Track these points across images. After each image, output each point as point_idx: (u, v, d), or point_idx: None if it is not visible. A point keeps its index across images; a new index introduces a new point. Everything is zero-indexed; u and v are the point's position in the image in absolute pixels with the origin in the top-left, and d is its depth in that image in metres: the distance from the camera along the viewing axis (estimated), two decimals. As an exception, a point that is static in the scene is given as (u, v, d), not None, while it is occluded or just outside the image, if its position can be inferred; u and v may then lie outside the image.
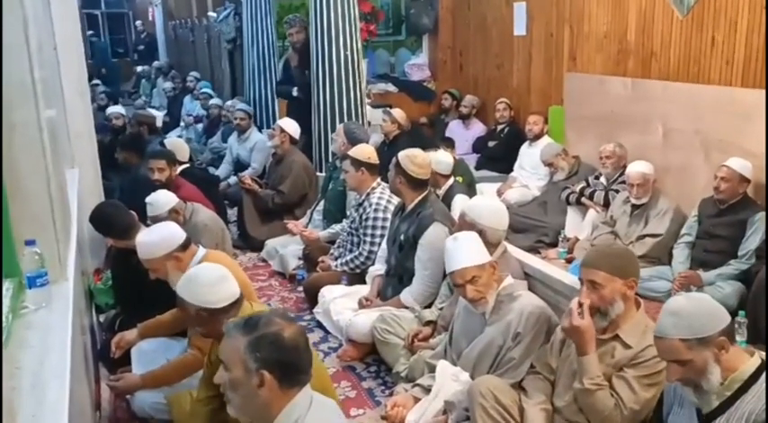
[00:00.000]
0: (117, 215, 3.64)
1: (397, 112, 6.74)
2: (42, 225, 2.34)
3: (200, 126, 9.48)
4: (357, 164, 4.34)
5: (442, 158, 5.00)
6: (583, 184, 5.45)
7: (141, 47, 17.84)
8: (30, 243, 2.19)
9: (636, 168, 4.72)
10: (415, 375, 3.19)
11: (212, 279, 2.48)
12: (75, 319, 2.28)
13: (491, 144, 7.24)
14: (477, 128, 7.75)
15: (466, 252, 2.87)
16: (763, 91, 4.17)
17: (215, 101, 9.21)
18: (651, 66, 5.35)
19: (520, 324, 2.78)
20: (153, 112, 7.53)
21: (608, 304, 2.45)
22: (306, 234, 4.97)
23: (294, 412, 1.78)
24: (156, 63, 14.68)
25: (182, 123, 9.88)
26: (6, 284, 2.19)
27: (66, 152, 3.96)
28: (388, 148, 6.33)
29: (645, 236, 4.66)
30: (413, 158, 3.85)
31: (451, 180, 5.05)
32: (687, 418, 2.11)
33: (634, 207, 4.77)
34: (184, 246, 3.09)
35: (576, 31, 6.28)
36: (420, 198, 3.86)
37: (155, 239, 3.05)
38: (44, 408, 1.64)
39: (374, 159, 4.40)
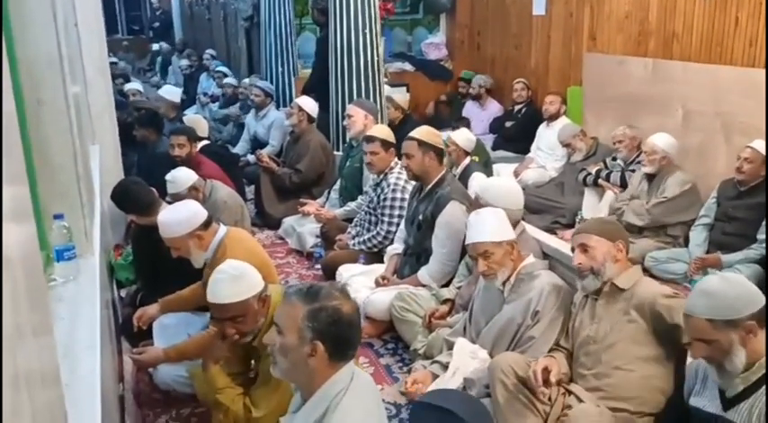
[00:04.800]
0: (139, 192, 3.67)
1: (399, 97, 6.70)
2: (69, 200, 2.37)
3: (215, 105, 9.48)
4: (386, 144, 4.35)
5: (467, 135, 5.04)
6: (600, 165, 5.42)
7: (156, 24, 17.82)
8: (58, 217, 2.23)
9: (651, 139, 4.77)
10: (433, 352, 3.21)
11: (242, 269, 2.53)
12: (102, 291, 2.32)
13: (508, 124, 7.20)
14: (494, 108, 7.70)
15: (485, 227, 2.89)
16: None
17: (229, 80, 9.19)
18: (672, 47, 5.29)
19: (539, 302, 2.79)
20: (171, 88, 7.53)
21: (600, 265, 2.60)
22: (322, 213, 5.00)
23: (337, 385, 1.82)
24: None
25: (197, 102, 9.89)
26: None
27: (88, 129, 3.99)
28: (397, 134, 6.30)
29: (657, 204, 4.67)
30: (429, 132, 3.96)
31: (468, 159, 5.06)
32: (710, 400, 2.12)
33: (650, 180, 4.77)
34: (206, 224, 3.12)
35: (596, 11, 6.21)
36: (438, 178, 3.87)
37: (177, 218, 3.08)
38: (77, 377, 1.67)
39: (393, 136, 4.46)
